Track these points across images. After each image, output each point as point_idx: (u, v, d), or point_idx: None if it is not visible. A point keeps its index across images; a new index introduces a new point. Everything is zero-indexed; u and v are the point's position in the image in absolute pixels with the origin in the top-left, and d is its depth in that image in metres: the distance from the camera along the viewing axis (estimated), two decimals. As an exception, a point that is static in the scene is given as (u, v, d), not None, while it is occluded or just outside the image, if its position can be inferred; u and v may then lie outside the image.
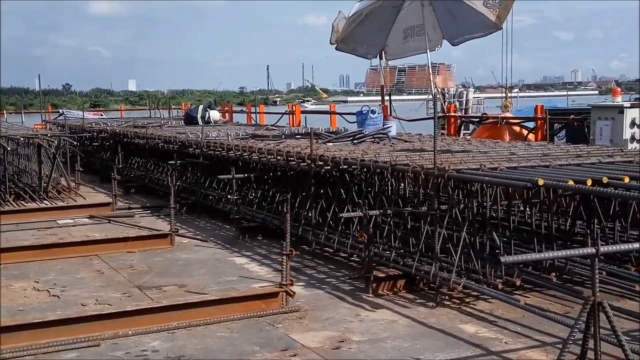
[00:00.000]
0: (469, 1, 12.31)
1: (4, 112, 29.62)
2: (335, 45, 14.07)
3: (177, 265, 8.31)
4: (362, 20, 13.69)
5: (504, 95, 17.54)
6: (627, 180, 5.83)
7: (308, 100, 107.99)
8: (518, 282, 6.56)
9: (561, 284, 6.73)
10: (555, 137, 13.63)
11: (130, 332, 5.76)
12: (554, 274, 6.74)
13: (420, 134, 11.27)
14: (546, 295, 6.66)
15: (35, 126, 22.99)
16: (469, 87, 45.07)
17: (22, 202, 12.64)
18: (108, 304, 6.66)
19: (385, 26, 14.19)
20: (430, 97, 21.41)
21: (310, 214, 8.56)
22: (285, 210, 6.65)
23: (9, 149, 12.85)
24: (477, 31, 12.90)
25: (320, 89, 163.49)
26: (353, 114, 13.39)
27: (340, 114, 16.45)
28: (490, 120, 13.63)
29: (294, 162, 8.63)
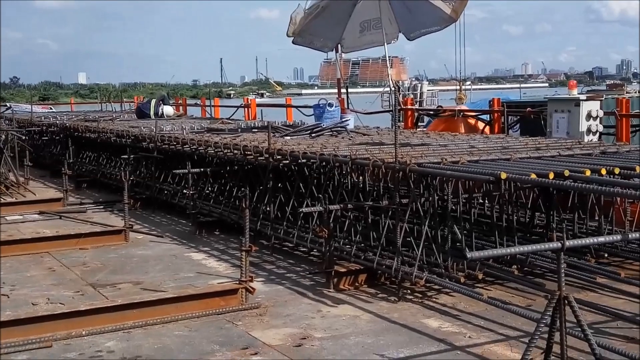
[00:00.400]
0: (426, -6, 12.29)
1: None
2: (292, 38, 13.92)
3: (132, 262, 8.09)
4: (318, 13, 13.57)
5: (457, 87, 17.59)
6: (588, 173, 5.82)
7: (262, 93, 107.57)
8: (480, 276, 6.54)
9: (522, 276, 6.72)
10: (510, 129, 13.70)
11: (84, 332, 5.55)
12: (516, 266, 6.73)
13: (378, 127, 11.20)
14: (508, 287, 6.64)
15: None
16: (422, 80, 45.41)
17: (-32, 198, 12.21)
18: (60, 303, 6.42)
19: (342, 19, 14.11)
20: (386, 89, 21.44)
21: (268, 209, 8.42)
22: (243, 205, 6.50)
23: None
24: (433, 25, 12.91)
25: (274, 81, 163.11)
26: (310, 107, 13.28)
27: (296, 107, 16.30)
28: (448, 112, 13.62)
29: (252, 157, 8.47)
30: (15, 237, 9.12)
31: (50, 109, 28.61)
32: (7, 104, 27.65)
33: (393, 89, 13.84)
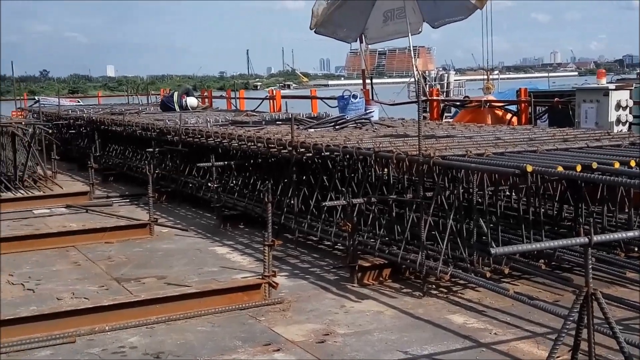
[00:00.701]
0: (450, -17, 12.11)
1: None
2: (315, 29, 13.81)
3: (157, 255, 8.10)
4: (341, 3, 13.44)
5: (485, 77, 17.37)
6: (617, 165, 5.68)
7: (289, 85, 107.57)
8: (506, 271, 6.43)
9: (550, 271, 6.60)
10: (538, 120, 13.51)
11: (107, 328, 5.56)
12: (543, 260, 6.60)
13: (403, 119, 11.09)
14: (535, 282, 6.53)
15: (13, 114, 22.52)
16: (449, 70, 45.01)
17: (-4, 192, 12.33)
18: (85, 298, 6.44)
19: (365, 9, 13.95)
20: (412, 80, 21.24)
21: (292, 202, 8.37)
22: (266, 199, 6.46)
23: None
24: (458, 14, 12.71)
25: (300, 72, 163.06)
26: (334, 98, 13.19)
27: (321, 98, 16.21)
28: (474, 103, 13.45)
29: (275, 149, 8.42)
30: (42, 231, 9.19)
31: (78, 102, 28.83)
32: (36, 97, 27.97)
33: (419, 79, 13.67)
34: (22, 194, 12.14)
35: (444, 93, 30.21)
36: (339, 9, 13.57)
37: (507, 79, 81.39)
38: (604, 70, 11.83)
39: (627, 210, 7.34)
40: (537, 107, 13.04)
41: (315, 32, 13.97)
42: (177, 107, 15.65)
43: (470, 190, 7.07)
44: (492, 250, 4.16)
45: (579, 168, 5.56)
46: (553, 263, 6.72)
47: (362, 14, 14.03)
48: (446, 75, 34.22)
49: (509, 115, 13.63)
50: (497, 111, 13.99)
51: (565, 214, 7.77)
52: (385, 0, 13.80)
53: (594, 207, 7.55)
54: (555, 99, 11.75)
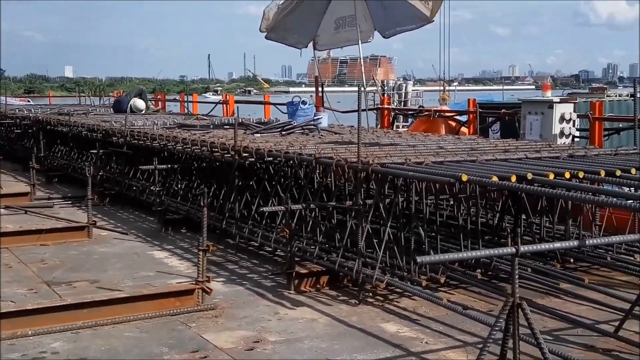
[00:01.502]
0: (402, -7, 12.14)
1: None
2: (265, 33, 13.72)
3: (93, 259, 7.91)
4: (292, 8, 13.38)
5: (436, 88, 17.46)
6: (552, 176, 5.71)
7: (249, 90, 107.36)
8: (442, 280, 6.42)
9: (486, 280, 6.61)
10: (490, 131, 13.61)
11: (30, 332, 5.38)
12: (479, 270, 6.61)
13: (352, 126, 11.05)
14: (471, 292, 6.52)
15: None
16: (408, 80, 45.34)
17: None
18: (11, 301, 6.23)
19: (316, 16, 13.92)
20: (368, 88, 21.29)
21: (234, 207, 8.26)
22: (202, 203, 6.35)
23: None
24: (409, 23, 12.76)
25: (262, 79, 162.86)
26: (285, 104, 13.11)
27: (273, 104, 16.13)
28: (424, 113, 13.50)
29: (218, 154, 8.31)
30: (-24, 231, 8.92)
31: (28, 101, 28.28)
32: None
33: (362, 88, 13.69)
34: (-40, 193, 11.78)
35: (402, 102, 30.36)
36: (290, 15, 13.50)
37: (467, 90, 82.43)
38: (549, 84, 11.95)
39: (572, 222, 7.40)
40: (487, 118, 13.14)
41: (265, 37, 13.88)
42: (128, 109, 15.42)
43: (411, 198, 7.07)
44: (419, 259, 4.13)
45: (513, 178, 5.58)
46: (490, 273, 6.73)
47: (313, 20, 14.00)
48: (404, 85, 34.38)
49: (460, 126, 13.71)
50: (450, 121, 14.08)
51: (507, 225, 7.79)
52: (336, 7, 13.78)
53: (535, 218, 7.60)
54: (503, 111, 11.85)
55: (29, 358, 5.03)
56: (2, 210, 10.71)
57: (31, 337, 5.36)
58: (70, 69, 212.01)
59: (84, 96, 24.39)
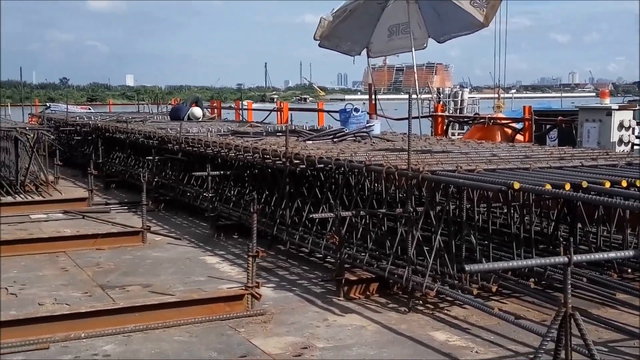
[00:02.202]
0: (455, 0, 12.02)
1: (6, 105, 29.29)
2: (319, 42, 13.76)
3: (146, 263, 8.03)
4: (346, 16, 13.37)
5: (496, 95, 17.26)
6: (607, 185, 5.56)
7: (305, 98, 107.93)
8: (494, 288, 6.31)
9: (540, 289, 6.48)
10: (547, 138, 13.39)
11: (82, 335, 5.48)
12: (533, 279, 6.48)
13: (405, 134, 10.97)
14: (524, 301, 6.39)
15: (30, 119, 22.63)
16: (465, 87, 44.93)
17: (-3, 195, 12.34)
18: (66, 304, 6.38)
19: (370, 23, 13.89)
20: (422, 95, 21.18)
21: (285, 213, 8.29)
22: (252, 209, 6.39)
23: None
24: (463, 29, 12.63)
25: (318, 86, 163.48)
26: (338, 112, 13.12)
27: (327, 111, 16.16)
28: (479, 120, 13.35)
29: (270, 160, 8.36)
30: (35, 235, 9.17)
31: (89, 109, 28.96)
32: (47, 104, 28.14)
33: (414, 95, 13.60)
34: (22, 198, 12.14)
35: (458, 110, 30.13)
36: (344, 22, 13.50)
37: (524, 98, 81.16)
38: (607, 90, 11.68)
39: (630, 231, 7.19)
40: (543, 125, 12.92)
41: (319, 45, 13.92)
42: (185, 117, 15.65)
43: (462, 206, 6.97)
44: (468, 267, 4.07)
45: (567, 186, 5.45)
46: (543, 282, 6.59)
47: (366, 28, 13.98)
48: (460, 92, 34.08)
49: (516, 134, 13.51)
50: (506, 129, 13.89)
51: (562, 234, 7.63)
52: (390, 14, 13.73)
53: (591, 227, 7.42)
54: (559, 118, 11.62)
55: (81, 360, 5.12)
56: (61, 214, 10.99)
57: (84, 340, 5.45)
58: (131, 78, 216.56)
59: (142, 104, 24.84)
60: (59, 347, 5.31)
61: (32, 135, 13.01)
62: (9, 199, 12.08)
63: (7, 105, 27.13)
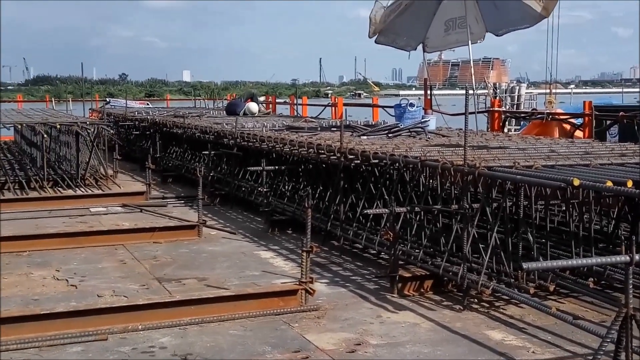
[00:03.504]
0: (514, -8, 11.83)
1: (68, 100, 30.06)
2: (374, 37, 13.68)
3: (201, 257, 8.13)
4: (401, 11, 13.26)
5: (548, 90, 16.88)
6: (671, 181, 5.39)
7: (360, 94, 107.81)
8: (552, 288, 6.19)
9: (599, 290, 6.33)
10: (608, 134, 13.08)
11: (140, 327, 5.57)
12: (592, 279, 6.33)
13: (460, 129, 10.86)
14: (582, 301, 6.26)
15: (91, 114, 23.14)
16: (522, 83, 44.15)
17: (59, 188, 12.66)
18: (124, 296, 6.50)
19: (426, 18, 13.76)
20: (478, 91, 20.89)
21: (339, 209, 8.28)
22: (306, 204, 6.40)
23: (45, 136, 12.85)
24: (523, 22, 12.40)
25: (372, 82, 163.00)
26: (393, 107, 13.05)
27: (381, 106, 16.09)
28: (537, 115, 13.10)
29: (324, 155, 8.35)
30: (95, 228, 9.37)
31: (147, 104, 29.44)
32: (107, 99, 28.71)
33: (470, 90, 13.41)
34: (82, 191, 12.42)
35: (515, 105, 29.61)
36: (399, 17, 13.41)
37: (584, 93, 79.40)
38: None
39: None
40: (604, 121, 12.62)
41: (375, 41, 13.85)
42: (241, 112, 15.78)
43: (519, 203, 6.86)
44: (525, 265, 4.01)
45: (629, 184, 5.30)
46: (603, 282, 6.44)
47: (423, 23, 13.85)
48: (517, 87, 33.51)
49: (574, 129, 13.23)
50: (565, 125, 13.61)
51: (623, 232, 7.43)
52: (447, 9, 13.58)
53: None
54: (620, 114, 11.33)
55: (138, 352, 5.21)
56: (119, 208, 11.21)
57: (141, 332, 5.55)
58: (188, 73, 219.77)
59: (199, 99, 25.13)
60: (117, 339, 5.41)
61: (92, 130, 13.28)
62: (70, 192, 12.37)
63: (69, 101, 27.84)
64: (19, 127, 15.14)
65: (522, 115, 14.84)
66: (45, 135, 12.93)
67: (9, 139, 20.80)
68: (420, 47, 14.51)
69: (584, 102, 12.50)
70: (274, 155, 10.11)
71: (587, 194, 6.80)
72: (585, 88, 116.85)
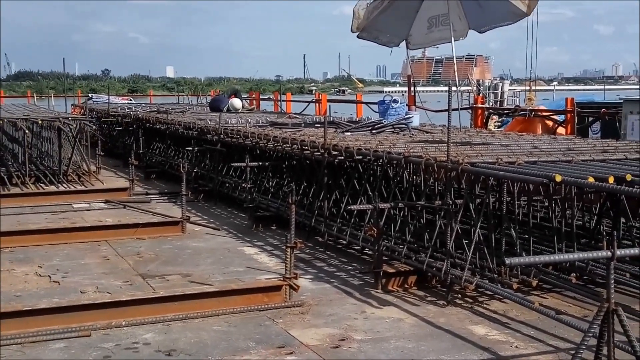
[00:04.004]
0: (498, -11, 11.88)
1: (50, 96, 29.84)
2: (357, 33, 13.70)
3: (185, 253, 8.11)
4: (384, 8, 13.29)
5: (531, 87, 16.99)
6: (652, 177, 5.44)
7: (344, 90, 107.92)
8: (534, 283, 6.23)
9: (582, 285, 6.37)
10: (590, 131, 13.17)
11: (123, 323, 5.55)
12: (574, 274, 6.38)
13: (444, 126, 10.89)
14: (565, 297, 6.31)
15: (73, 110, 22.99)
16: (505, 80, 44.37)
17: (41, 184, 12.58)
18: (107, 292, 6.47)
19: (409, 15, 13.79)
20: (462, 88, 20.97)
21: (323, 205, 8.29)
22: (290, 200, 6.40)
23: (27, 131, 12.75)
24: (505, 19, 12.47)
25: (356, 78, 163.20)
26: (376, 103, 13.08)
27: (365, 103, 16.11)
28: (519, 112, 13.19)
29: (308, 152, 8.36)
30: (77, 224, 9.31)
31: (130, 100, 29.29)
32: (90, 95, 28.54)
33: (454, 87, 13.46)
34: (64, 187, 12.35)
35: (498, 102, 29.78)
36: (382, 14, 13.43)
37: (566, 90, 79.87)
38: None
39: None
40: (586, 118, 12.72)
41: (357, 36, 13.86)
42: (225, 108, 15.74)
43: (502, 199, 6.90)
44: (508, 260, 4.02)
45: (611, 180, 5.35)
46: (585, 277, 6.49)
47: (406, 20, 13.88)
48: (500, 84, 33.70)
49: (556, 126, 13.32)
50: (547, 121, 13.70)
51: (605, 228, 7.49)
52: (429, 6, 13.61)
53: (635, 222, 7.27)
54: (602, 110, 11.42)
55: (122, 348, 5.19)
56: (102, 204, 11.15)
57: (125, 328, 5.53)
58: (172, 70, 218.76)
59: (182, 95, 25.04)
60: (100, 335, 5.38)
61: (74, 125, 13.21)
62: (52, 188, 12.30)
63: (51, 96, 27.62)
64: (0, 122, 15.00)
65: (505, 111, 14.89)
66: (27, 131, 12.81)
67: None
68: (403, 43, 14.54)
69: (566, 99, 12.57)
70: (258, 152, 10.10)
71: (570, 190, 6.84)
72: (568, 85, 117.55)
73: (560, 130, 12.78)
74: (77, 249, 8.26)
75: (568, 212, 6.99)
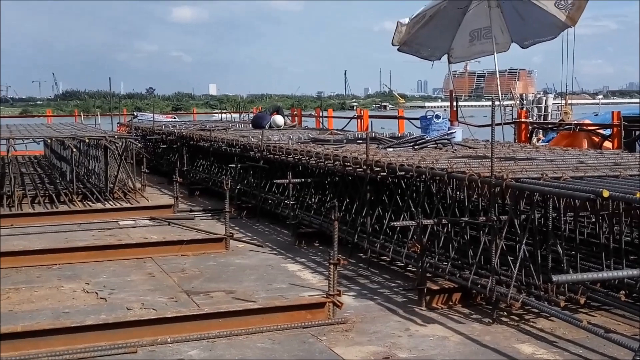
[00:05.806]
0: (539, 2, 11.75)
1: (96, 114, 30.44)
2: (398, 47, 13.69)
3: (229, 270, 8.15)
4: (426, 22, 13.25)
5: (564, 101, 16.71)
6: None
7: (385, 105, 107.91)
8: (582, 300, 6.11)
9: (631, 302, 6.23)
10: (637, 144, 12.94)
11: (169, 340, 5.60)
12: (623, 292, 6.24)
13: (487, 141, 10.81)
14: (614, 314, 6.19)
15: (119, 128, 23.39)
16: (549, 93, 43.85)
17: (88, 202, 12.80)
18: (153, 309, 6.54)
19: (451, 28, 13.73)
20: (505, 102, 20.78)
21: (366, 221, 8.28)
22: (333, 217, 6.40)
23: (74, 150, 13.01)
24: (548, 34, 12.34)
25: (397, 94, 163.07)
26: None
27: (407, 118, 16.07)
28: (564, 126, 13.01)
29: (350, 168, 8.36)
30: (123, 241, 9.44)
31: (174, 118, 29.68)
32: (135, 113, 29.00)
33: (497, 102, 13.34)
34: (110, 205, 12.54)
35: (542, 117, 29.43)
36: (424, 28, 13.40)
37: (612, 103, 78.54)
38: None
39: None
40: (634, 132, 12.50)
41: (398, 50, 13.85)
42: (267, 125, 15.85)
43: (548, 215, 6.80)
44: (554, 278, 3.98)
45: (660, 195, 5.23)
46: (635, 295, 6.35)
47: (447, 33, 13.83)
48: (544, 98, 33.32)
49: (602, 140, 13.11)
50: (593, 136, 13.50)
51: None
52: (471, 19, 13.55)
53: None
54: (649, 123, 11.20)
55: (167, 364, 5.23)
56: (147, 221, 11.29)
57: (170, 344, 5.58)
58: (214, 87, 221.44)
59: (225, 112, 25.27)
60: (146, 351, 5.44)
61: (120, 143, 13.43)
62: (99, 205, 12.50)
63: (97, 115, 28.17)
64: (49, 141, 15.34)
65: (550, 126, 14.70)
66: (74, 150, 13.07)
67: (39, 154, 21.12)
68: (444, 57, 14.49)
69: (612, 112, 12.37)
70: (300, 168, 10.14)
71: (617, 206, 6.71)
72: (614, 98, 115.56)
73: (607, 144, 12.58)
74: (123, 265, 8.38)
75: (616, 228, 6.86)
